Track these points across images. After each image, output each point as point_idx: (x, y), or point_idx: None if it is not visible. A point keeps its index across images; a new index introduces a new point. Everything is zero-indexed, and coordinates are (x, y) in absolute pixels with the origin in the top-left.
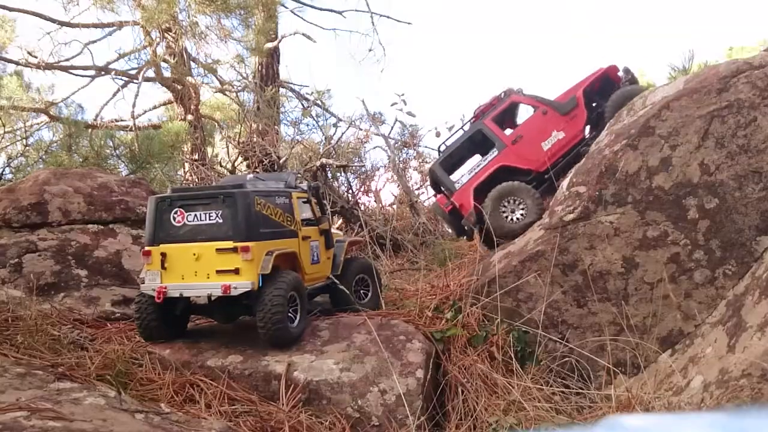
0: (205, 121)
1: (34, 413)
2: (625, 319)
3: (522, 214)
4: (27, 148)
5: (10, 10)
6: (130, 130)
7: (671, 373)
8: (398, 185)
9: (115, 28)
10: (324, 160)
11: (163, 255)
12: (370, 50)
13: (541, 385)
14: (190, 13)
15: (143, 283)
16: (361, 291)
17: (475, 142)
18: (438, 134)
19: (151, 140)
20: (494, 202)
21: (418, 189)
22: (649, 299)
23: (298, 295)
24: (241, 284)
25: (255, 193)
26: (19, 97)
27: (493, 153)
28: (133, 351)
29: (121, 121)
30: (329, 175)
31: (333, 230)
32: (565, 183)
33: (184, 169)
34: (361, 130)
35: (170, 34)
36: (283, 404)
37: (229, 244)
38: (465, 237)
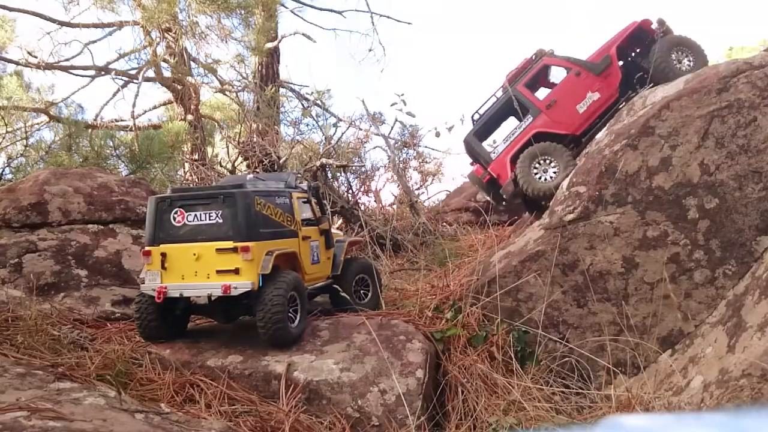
0: (205, 121)
1: (34, 413)
2: (625, 319)
3: (554, 173)
4: (27, 148)
5: (10, 10)
6: (130, 130)
7: (671, 373)
8: (398, 185)
9: (115, 28)
10: (324, 160)
11: (163, 255)
12: (370, 50)
13: (541, 385)
14: (190, 12)
15: (143, 283)
16: (361, 291)
17: (511, 108)
18: (438, 134)
19: (151, 140)
20: (526, 162)
21: (418, 189)
22: (649, 299)
23: (298, 295)
24: (241, 284)
25: (255, 193)
26: (19, 97)
27: (528, 119)
28: (133, 351)
29: (121, 121)
30: (329, 175)
31: (333, 230)
32: (565, 183)
33: (184, 169)
34: (361, 130)
35: (170, 34)
36: (283, 404)
37: (229, 244)
38: (503, 205)
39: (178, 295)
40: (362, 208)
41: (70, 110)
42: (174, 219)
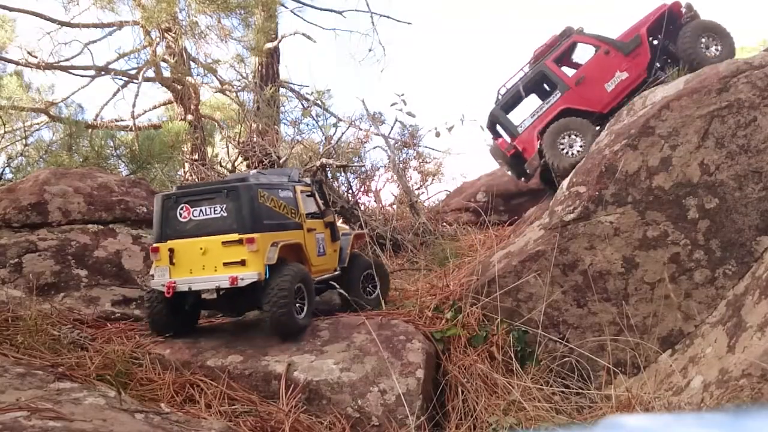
0: (205, 121)
1: (34, 413)
2: (625, 319)
3: (580, 148)
4: (27, 147)
5: (10, 10)
6: (130, 130)
7: (671, 373)
8: (398, 185)
9: (115, 28)
10: (324, 160)
11: (171, 251)
12: (370, 50)
13: (541, 385)
14: (190, 12)
15: (153, 279)
16: (369, 287)
17: (536, 84)
18: (438, 134)
19: (151, 140)
20: (552, 136)
21: (418, 189)
22: (649, 299)
23: (305, 286)
24: (248, 275)
25: (258, 186)
26: (19, 97)
27: (556, 95)
28: (133, 351)
29: (121, 121)
30: (329, 175)
31: (339, 224)
32: (565, 183)
33: (184, 169)
34: (361, 130)
35: (170, 33)
36: (283, 404)
37: (235, 236)
38: (525, 179)
39: (186, 289)
40: (362, 208)
41: (70, 110)
42: (180, 215)
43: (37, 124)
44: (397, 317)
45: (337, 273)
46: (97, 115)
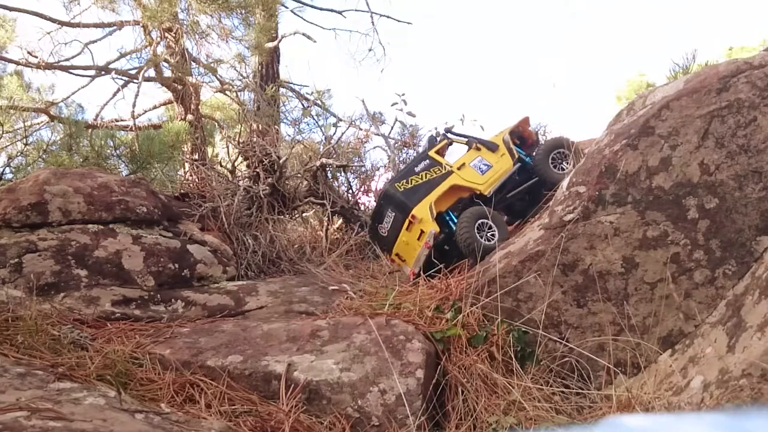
0: (205, 121)
1: (35, 413)
2: (625, 319)
3: None
4: (27, 147)
5: (10, 9)
6: (130, 130)
7: (671, 373)
8: None
9: (115, 27)
10: (324, 160)
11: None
12: (370, 50)
13: (541, 385)
14: (191, 12)
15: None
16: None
17: None
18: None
19: (151, 140)
20: None
21: None
22: (649, 299)
23: (486, 218)
24: (433, 233)
25: (392, 182)
26: (19, 97)
27: None
28: (133, 351)
29: (121, 121)
30: (329, 175)
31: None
32: (565, 183)
33: (184, 169)
34: (361, 130)
35: (171, 33)
36: (283, 404)
37: (406, 222)
38: None
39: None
40: (362, 208)
41: (70, 110)
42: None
43: (37, 124)
44: (397, 317)
45: (519, 165)
46: (97, 115)
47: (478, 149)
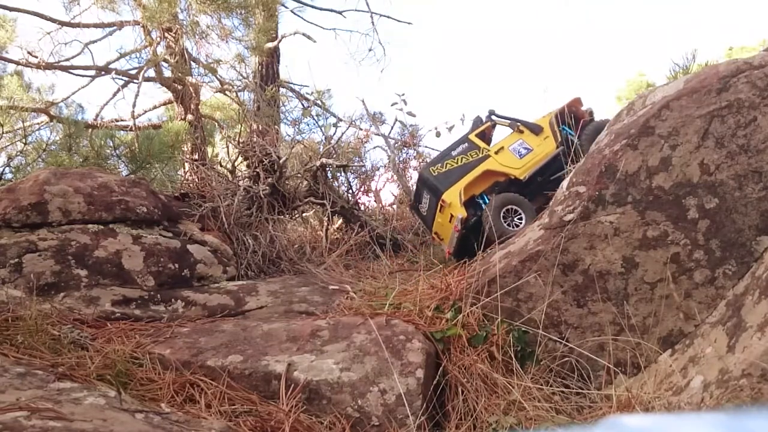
0: (205, 121)
1: (35, 413)
2: (625, 319)
3: None
4: (27, 147)
5: (10, 10)
6: (130, 130)
7: (671, 373)
8: (398, 185)
9: (115, 27)
10: (324, 160)
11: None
12: (370, 50)
13: (541, 385)
14: (191, 12)
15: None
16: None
17: None
18: (438, 134)
19: (151, 140)
20: None
21: None
22: (649, 299)
23: (514, 205)
24: (460, 218)
25: (428, 166)
26: (19, 97)
27: None
28: (133, 351)
29: (121, 121)
30: (329, 175)
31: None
32: (565, 183)
33: (184, 168)
34: (361, 130)
35: (171, 33)
36: (283, 404)
37: (438, 205)
38: None
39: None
40: (362, 208)
41: (70, 110)
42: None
43: (37, 124)
44: (397, 317)
45: (561, 149)
46: (97, 115)
47: (521, 132)
